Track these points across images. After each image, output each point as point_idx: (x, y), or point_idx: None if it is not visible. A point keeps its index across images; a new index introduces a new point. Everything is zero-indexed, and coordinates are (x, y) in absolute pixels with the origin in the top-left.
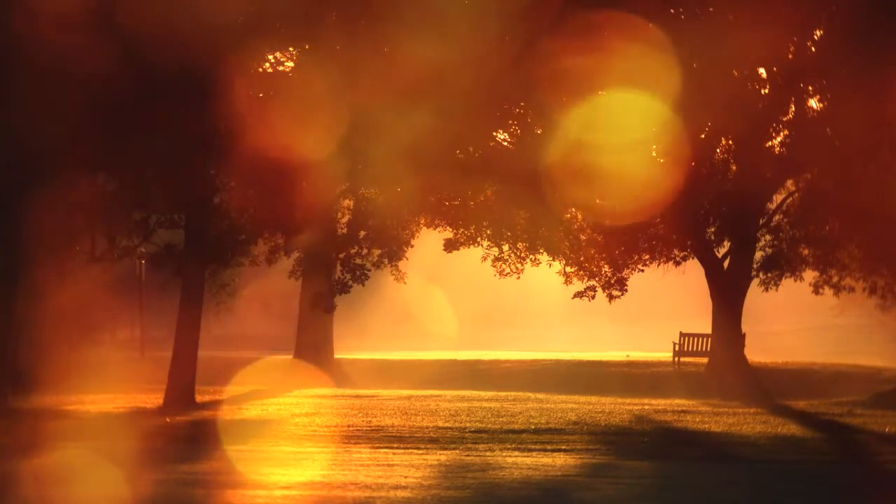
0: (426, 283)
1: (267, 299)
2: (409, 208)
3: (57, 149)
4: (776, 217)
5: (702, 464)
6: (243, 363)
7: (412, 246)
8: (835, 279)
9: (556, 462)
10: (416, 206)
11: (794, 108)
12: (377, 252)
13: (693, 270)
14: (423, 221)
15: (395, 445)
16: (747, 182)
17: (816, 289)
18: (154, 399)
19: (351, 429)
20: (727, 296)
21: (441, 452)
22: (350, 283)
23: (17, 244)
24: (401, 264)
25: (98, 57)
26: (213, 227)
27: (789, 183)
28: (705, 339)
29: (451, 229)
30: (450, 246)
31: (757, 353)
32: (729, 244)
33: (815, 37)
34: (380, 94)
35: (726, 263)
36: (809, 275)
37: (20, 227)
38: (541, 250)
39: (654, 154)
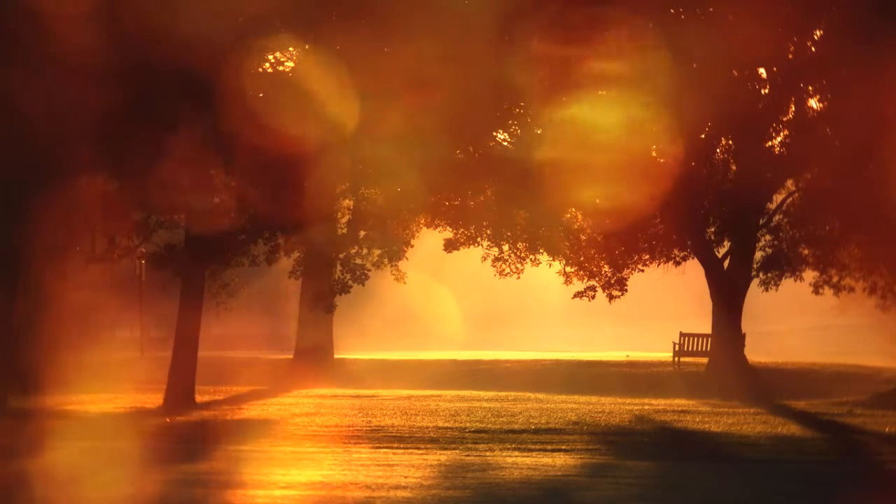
0: (426, 283)
1: (267, 299)
2: (409, 208)
3: (58, 149)
4: (776, 217)
5: (702, 464)
6: (243, 363)
7: (412, 246)
8: (835, 279)
9: (556, 462)
10: (416, 206)
11: (794, 108)
12: (377, 252)
13: (693, 270)
14: (423, 221)
15: (395, 445)
16: (747, 182)
17: (816, 289)
18: (154, 399)
19: (351, 429)
20: (727, 296)
21: (441, 452)
22: (350, 282)
23: (18, 244)
24: (401, 264)
25: (98, 57)
26: (213, 227)
27: (789, 183)
28: (705, 339)
29: (451, 229)
30: (450, 246)
31: (757, 353)
32: (729, 244)
33: (815, 37)
34: (380, 93)
35: (726, 263)
36: (809, 275)
37: (21, 227)
38: (541, 250)
39: (654, 154)
